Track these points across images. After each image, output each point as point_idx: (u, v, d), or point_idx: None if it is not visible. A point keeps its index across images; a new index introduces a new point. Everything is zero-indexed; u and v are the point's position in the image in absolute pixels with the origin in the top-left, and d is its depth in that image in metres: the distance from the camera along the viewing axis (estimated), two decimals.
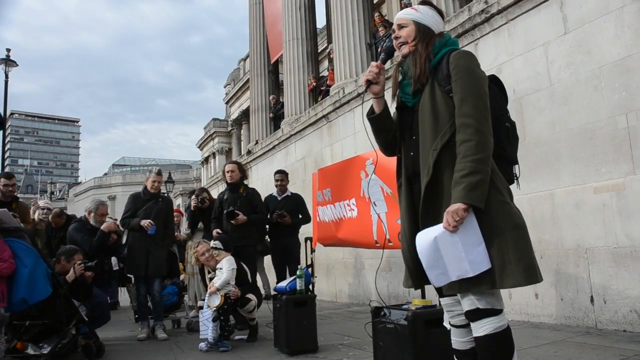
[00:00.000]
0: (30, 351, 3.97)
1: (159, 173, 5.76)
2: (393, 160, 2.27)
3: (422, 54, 2.06)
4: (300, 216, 6.20)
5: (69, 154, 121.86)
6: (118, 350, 4.76)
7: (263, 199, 6.16)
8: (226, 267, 4.63)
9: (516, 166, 2.17)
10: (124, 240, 5.83)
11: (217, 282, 4.57)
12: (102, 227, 5.39)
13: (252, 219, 5.53)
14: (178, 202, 28.13)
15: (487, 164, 1.88)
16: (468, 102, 1.92)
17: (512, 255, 1.83)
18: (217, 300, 4.46)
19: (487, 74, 2.13)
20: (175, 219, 6.72)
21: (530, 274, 1.84)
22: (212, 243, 4.90)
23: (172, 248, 6.21)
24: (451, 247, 1.85)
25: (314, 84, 10.86)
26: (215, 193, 17.33)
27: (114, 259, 6.00)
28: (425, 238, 1.91)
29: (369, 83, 2.12)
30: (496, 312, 1.89)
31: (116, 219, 5.89)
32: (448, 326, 2.13)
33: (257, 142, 12.71)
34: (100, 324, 4.82)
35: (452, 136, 1.93)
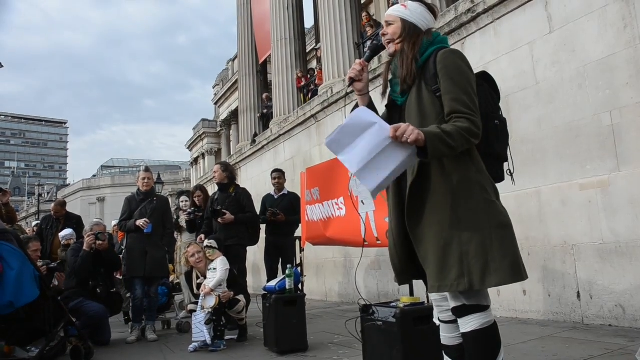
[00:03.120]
0: (17, 354, 3.94)
1: (146, 170, 5.74)
2: None
3: (409, 55, 2.03)
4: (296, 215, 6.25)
5: (56, 155, 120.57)
6: (107, 352, 4.72)
7: (260, 198, 6.23)
8: (220, 268, 4.62)
9: (506, 163, 2.17)
10: (124, 244, 5.67)
11: (211, 282, 4.55)
12: (84, 247, 5.11)
13: (239, 218, 5.50)
14: None
15: (463, 146, 1.84)
16: (460, 100, 1.89)
17: (496, 253, 1.84)
18: (212, 301, 4.44)
19: (477, 71, 2.13)
20: None
21: (515, 271, 1.85)
22: (207, 242, 4.86)
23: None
24: (372, 142, 1.74)
25: (303, 81, 10.84)
26: None
27: None
28: (368, 115, 1.80)
29: (352, 80, 2.10)
30: (483, 308, 1.90)
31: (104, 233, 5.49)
32: (437, 322, 2.14)
33: (256, 135, 12.49)
34: (98, 341, 4.84)
35: None
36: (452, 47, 2.20)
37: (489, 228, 1.87)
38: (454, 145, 1.80)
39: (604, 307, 4.06)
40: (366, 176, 1.77)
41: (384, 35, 2.15)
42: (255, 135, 12.48)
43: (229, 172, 5.77)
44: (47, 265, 4.47)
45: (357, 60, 2.11)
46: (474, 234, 1.85)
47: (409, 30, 2.07)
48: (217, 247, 4.80)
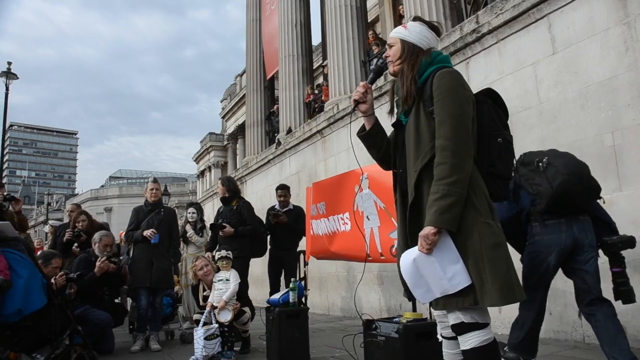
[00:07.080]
0: None
1: (154, 181, 5.82)
2: (387, 175, 2.29)
3: (408, 76, 2.06)
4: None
5: (66, 165, 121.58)
6: None
7: (265, 212, 6.41)
8: (234, 280, 4.64)
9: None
10: (131, 254, 5.70)
11: (225, 294, 4.55)
12: (95, 270, 5.06)
13: (239, 231, 5.48)
14: None
15: (462, 187, 1.87)
16: (446, 123, 1.91)
17: (488, 275, 1.83)
18: (228, 316, 4.43)
19: (482, 89, 2.17)
20: None
21: (506, 294, 1.81)
22: (225, 253, 4.85)
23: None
24: (429, 267, 1.91)
25: (312, 97, 10.92)
26: (209, 207, 17.35)
27: None
28: (406, 259, 1.97)
29: (356, 103, 2.17)
30: (481, 326, 1.91)
31: (115, 253, 5.54)
32: (441, 338, 2.16)
33: (290, 130, 11.13)
34: (102, 349, 4.88)
35: (433, 158, 1.94)
36: (457, 66, 2.27)
37: (480, 249, 1.86)
38: (456, 200, 1.85)
39: None
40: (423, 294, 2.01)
41: (386, 57, 2.21)
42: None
43: (227, 187, 5.76)
44: (66, 275, 4.53)
45: (361, 83, 2.18)
46: (466, 256, 1.87)
47: (408, 51, 2.11)
48: (232, 258, 4.82)
